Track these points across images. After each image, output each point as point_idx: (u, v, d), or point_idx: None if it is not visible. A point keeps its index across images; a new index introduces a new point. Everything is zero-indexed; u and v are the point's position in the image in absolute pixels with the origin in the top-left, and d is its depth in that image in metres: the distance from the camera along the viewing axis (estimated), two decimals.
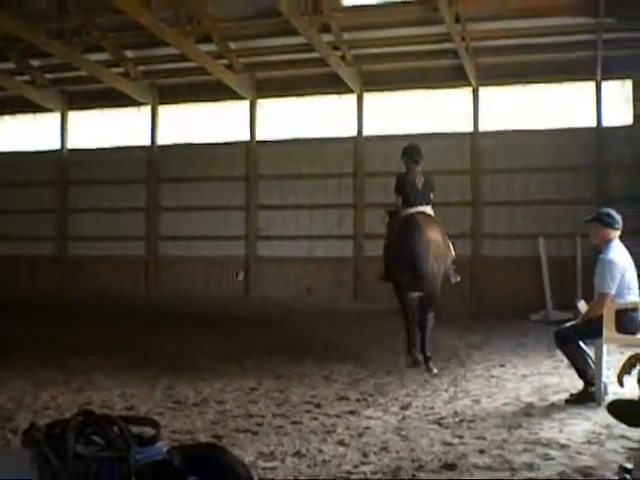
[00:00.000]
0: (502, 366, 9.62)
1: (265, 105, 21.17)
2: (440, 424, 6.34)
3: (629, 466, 4.52)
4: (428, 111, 19.65)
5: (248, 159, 21.12)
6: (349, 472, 4.93)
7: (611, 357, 7.85)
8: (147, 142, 22.15)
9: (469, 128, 19.24)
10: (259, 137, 21.10)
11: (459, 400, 7.42)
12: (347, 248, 20.10)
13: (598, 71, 17.74)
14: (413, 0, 16.86)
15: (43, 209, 23.04)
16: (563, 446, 5.55)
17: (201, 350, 11.03)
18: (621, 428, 5.65)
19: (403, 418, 6.59)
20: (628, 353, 6.07)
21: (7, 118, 24.06)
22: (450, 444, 5.64)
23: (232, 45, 19.41)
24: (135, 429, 2.17)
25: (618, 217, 7.47)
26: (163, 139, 22.13)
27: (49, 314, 16.29)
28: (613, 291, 7.20)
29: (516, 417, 6.63)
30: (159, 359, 10.17)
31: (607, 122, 18.29)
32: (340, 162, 20.16)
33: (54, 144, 23.15)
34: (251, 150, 21.08)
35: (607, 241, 7.41)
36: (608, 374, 7.28)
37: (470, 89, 19.17)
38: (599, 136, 18.27)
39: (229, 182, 21.23)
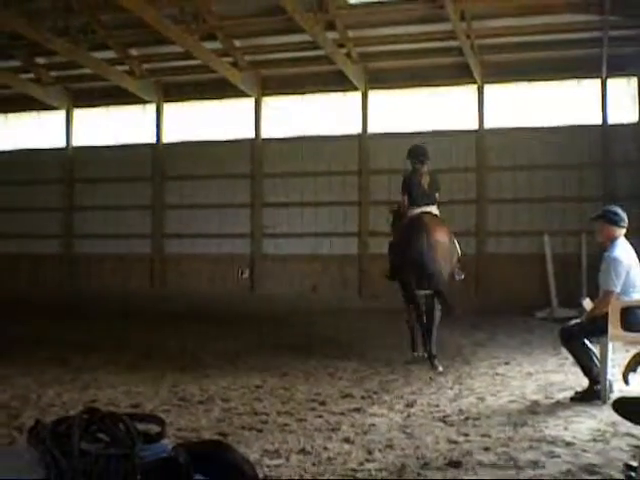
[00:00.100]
0: (507, 364, 9.61)
1: (270, 103, 21.16)
2: (445, 422, 6.34)
3: (634, 464, 4.51)
4: (433, 109, 19.63)
5: (253, 157, 21.12)
6: (354, 470, 4.93)
7: (616, 355, 7.83)
8: (152, 140, 22.16)
9: (474, 126, 19.21)
10: (264, 135, 21.10)
11: (464, 398, 7.42)
12: (352, 246, 20.10)
13: (603, 68, 17.69)
14: None
15: (49, 207, 23.06)
16: (568, 444, 5.55)
17: (206, 348, 11.05)
18: (626, 426, 5.63)
19: (408, 416, 6.59)
20: (633, 351, 6.06)
21: (12, 116, 24.07)
22: (455, 442, 5.64)
23: (237, 43, 19.42)
24: (140, 426, 2.17)
25: (624, 215, 7.46)
26: (168, 137, 22.14)
27: (54, 312, 16.33)
28: (618, 289, 7.19)
29: (521, 415, 6.62)
30: (164, 357, 10.20)
31: (612, 120, 18.24)
32: (345, 160, 20.14)
33: (59, 142, 23.18)
34: (256, 148, 21.08)
35: (612, 239, 7.39)
36: (613, 372, 7.26)
37: (475, 87, 19.14)
38: (604, 134, 18.23)
39: (234, 180, 21.24)
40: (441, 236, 9.70)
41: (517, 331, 13.29)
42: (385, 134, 19.75)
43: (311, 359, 9.95)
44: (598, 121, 18.33)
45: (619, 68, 17.73)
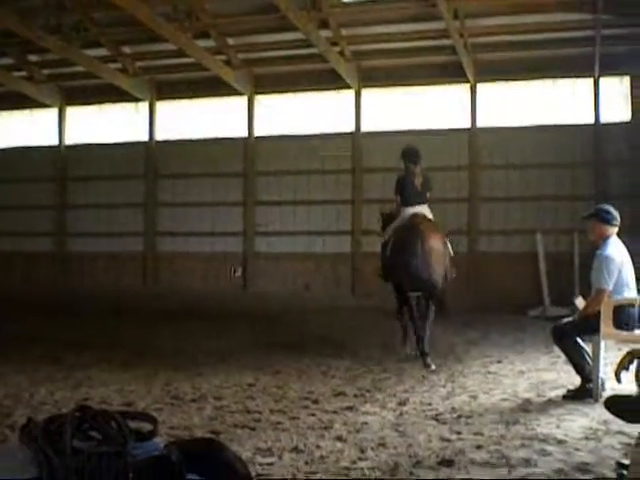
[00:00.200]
0: (499, 362, 9.64)
1: (263, 101, 21.15)
2: (437, 420, 6.35)
3: (626, 462, 4.52)
4: (426, 107, 19.64)
5: (246, 155, 21.10)
6: (347, 468, 4.94)
7: (608, 353, 7.86)
8: (145, 138, 22.12)
9: (467, 124, 19.22)
10: (257, 133, 21.08)
11: (456, 396, 7.43)
12: (345, 244, 20.10)
13: (596, 67, 17.73)
14: None
15: (41, 205, 23.02)
16: (560, 442, 5.56)
17: (199, 346, 11.04)
18: (618, 424, 5.65)
19: (400, 414, 6.60)
20: (625, 349, 6.08)
21: (5, 114, 24.00)
22: (448, 440, 5.65)
23: (230, 41, 19.40)
24: (133, 424, 2.17)
25: (616, 213, 7.48)
26: (161, 135, 22.10)
27: (47, 310, 16.29)
28: (610, 287, 7.21)
29: (513, 413, 6.64)
30: (157, 355, 10.19)
31: (605, 118, 18.27)
32: (338, 158, 20.13)
33: (52, 140, 23.12)
34: (249, 146, 21.07)
35: (605, 237, 7.41)
36: (605, 370, 7.28)
37: (468, 85, 19.16)
38: (597, 132, 18.27)
39: (227, 178, 21.22)
40: (435, 242, 9.92)
41: (509, 329, 13.31)
42: (378, 132, 19.76)
43: (304, 357, 9.95)
44: (591, 120, 18.37)
45: (612, 67, 17.77)
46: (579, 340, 7.42)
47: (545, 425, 6.14)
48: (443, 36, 17.55)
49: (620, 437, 5.62)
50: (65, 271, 22.50)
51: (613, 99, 18.37)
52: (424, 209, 10.57)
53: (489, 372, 8.88)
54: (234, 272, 20.96)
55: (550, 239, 17.94)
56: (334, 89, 20.21)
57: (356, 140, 20.06)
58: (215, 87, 20.60)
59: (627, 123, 18.16)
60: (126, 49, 20.41)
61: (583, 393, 7.18)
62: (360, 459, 5.13)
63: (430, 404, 7.01)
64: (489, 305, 16.63)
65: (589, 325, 7.20)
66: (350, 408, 6.80)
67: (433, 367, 9.16)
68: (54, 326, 13.55)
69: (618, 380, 4.71)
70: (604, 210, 7.57)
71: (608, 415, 5.25)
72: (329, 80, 19.79)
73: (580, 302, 7.90)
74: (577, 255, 17.07)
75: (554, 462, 5.03)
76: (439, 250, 9.98)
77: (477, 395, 7.44)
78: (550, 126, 18.53)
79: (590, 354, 7.32)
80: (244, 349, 10.79)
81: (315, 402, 7.08)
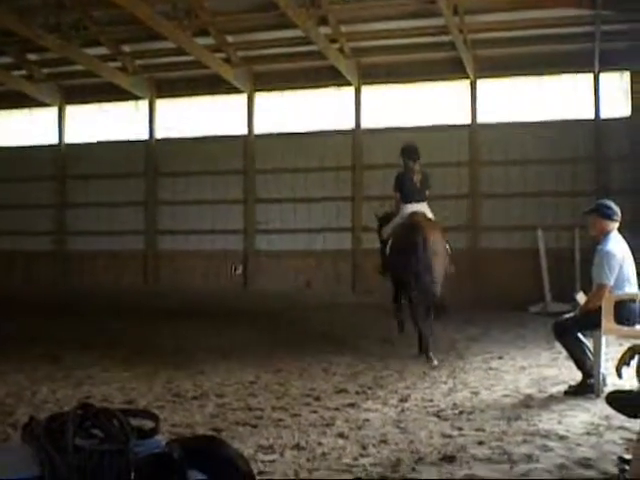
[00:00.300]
0: (501, 358, 9.64)
1: (263, 98, 21.13)
2: (439, 416, 6.35)
3: (628, 457, 4.52)
4: (426, 104, 19.63)
5: (246, 152, 21.10)
6: (348, 464, 4.94)
7: (610, 348, 7.85)
8: (145, 136, 22.12)
9: (467, 120, 19.21)
10: (257, 130, 21.07)
11: (458, 392, 7.43)
12: (345, 241, 20.10)
13: (596, 63, 17.72)
14: None
15: (41, 204, 23.00)
16: (562, 437, 5.56)
17: (200, 344, 11.05)
18: (620, 419, 5.65)
19: (402, 410, 6.60)
20: (627, 344, 6.08)
21: (4, 113, 23.98)
22: (449, 436, 5.65)
23: (229, 38, 19.38)
24: (134, 422, 2.17)
25: (617, 209, 7.48)
26: (161, 133, 22.10)
27: (47, 309, 16.29)
28: (611, 282, 7.21)
29: (515, 409, 6.64)
30: (158, 353, 10.19)
31: (605, 114, 18.26)
32: (338, 155, 20.14)
33: (52, 139, 23.11)
34: (249, 143, 21.06)
35: (606, 233, 7.41)
36: (607, 365, 7.28)
37: (468, 81, 19.14)
38: (597, 128, 18.25)
39: (227, 176, 21.21)
40: (437, 241, 10.10)
41: (511, 326, 13.32)
42: (378, 129, 19.75)
43: (305, 354, 9.96)
44: (591, 116, 18.36)
45: (611, 63, 17.75)
46: (580, 336, 7.42)
47: (547, 421, 6.14)
48: (443, 32, 17.54)
49: (622, 432, 5.63)
50: (65, 270, 22.50)
51: (613, 94, 18.35)
52: (423, 207, 10.75)
53: (490, 368, 8.89)
54: (235, 270, 20.96)
55: (551, 235, 17.93)
56: (334, 86, 20.20)
57: (356, 137, 20.05)
58: (215, 85, 20.59)
59: (627, 118, 18.15)
60: (125, 47, 20.39)
61: (584, 389, 7.18)
62: (362, 456, 5.14)
63: (431, 400, 7.02)
64: (490, 301, 16.62)
65: (590, 321, 7.20)
66: (352, 405, 6.81)
67: (435, 362, 9.19)
68: (54, 325, 13.56)
69: (619, 375, 4.71)
70: (605, 205, 7.57)
71: (609, 410, 5.25)
72: (329, 77, 19.78)
73: (581, 298, 7.90)
74: (578, 251, 17.06)
75: (556, 458, 5.04)
76: (441, 249, 10.15)
77: (478, 391, 7.45)
78: (550, 122, 18.53)
79: (591, 350, 7.32)
80: (245, 347, 10.80)
81: (317, 399, 7.09)
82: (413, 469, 4.85)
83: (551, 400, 7.06)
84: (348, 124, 20.18)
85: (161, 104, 22.09)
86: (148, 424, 2.24)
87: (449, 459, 5.02)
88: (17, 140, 23.54)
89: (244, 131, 21.12)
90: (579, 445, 5.35)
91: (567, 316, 7.76)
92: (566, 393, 7.24)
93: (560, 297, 15.67)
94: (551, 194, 18.39)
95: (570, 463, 4.91)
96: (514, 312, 15.33)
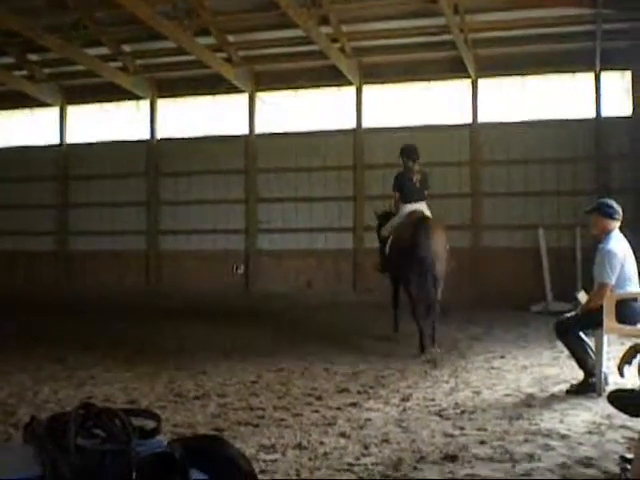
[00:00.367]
0: (502, 357, 9.65)
1: (264, 98, 21.14)
2: (441, 415, 6.36)
3: (630, 456, 4.52)
4: (427, 103, 19.61)
5: (247, 152, 21.09)
6: (350, 464, 4.94)
7: (611, 347, 7.85)
8: (146, 136, 22.12)
9: (468, 120, 19.20)
10: (258, 130, 21.07)
11: (460, 391, 7.44)
12: (347, 241, 20.09)
13: (597, 62, 17.69)
14: None
15: (43, 204, 23.00)
16: (564, 437, 5.57)
17: (202, 344, 11.06)
18: (622, 418, 5.66)
19: (404, 410, 6.61)
20: (628, 343, 6.08)
21: (6, 113, 23.98)
22: (451, 435, 5.66)
23: (230, 38, 19.38)
24: (136, 422, 2.17)
25: (618, 208, 7.48)
26: (162, 133, 22.10)
27: (49, 309, 16.31)
28: (613, 281, 7.21)
29: (517, 408, 6.64)
30: (160, 353, 10.20)
31: (606, 113, 18.24)
32: (340, 155, 20.14)
33: (53, 139, 23.11)
34: (250, 143, 21.06)
35: (607, 232, 7.41)
36: (608, 364, 7.29)
37: (469, 81, 19.13)
38: (598, 127, 18.23)
39: (229, 175, 21.20)
40: (438, 238, 10.26)
41: (512, 325, 13.32)
42: (379, 129, 19.73)
43: (307, 354, 9.97)
44: (592, 115, 18.34)
45: (613, 62, 17.72)
46: (582, 335, 7.42)
47: (548, 420, 6.14)
48: (444, 32, 17.52)
49: (623, 431, 5.63)
50: (67, 270, 22.51)
51: (614, 93, 18.34)
52: (422, 206, 10.96)
53: (492, 367, 8.89)
54: (236, 269, 20.96)
55: (552, 234, 17.91)
56: (335, 86, 20.18)
57: (357, 136, 20.05)
58: (216, 84, 20.58)
59: (628, 117, 18.13)
60: (126, 47, 20.38)
61: (586, 388, 7.18)
62: (364, 455, 5.14)
63: (433, 400, 7.02)
64: (491, 300, 16.62)
65: (592, 319, 7.20)
66: (353, 404, 6.81)
67: (439, 350, 9.68)
68: (57, 325, 13.57)
69: (621, 374, 4.72)
70: (606, 204, 7.57)
71: (611, 409, 5.27)
72: (330, 77, 19.77)
73: (583, 297, 7.90)
74: (579, 250, 17.05)
75: (558, 457, 5.04)
76: (441, 246, 10.30)
77: (480, 390, 7.45)
78: (551, 121, 18.51)
79: (593, 349, 7.32)
80: (247, 346, 10.80)
81: (318, 399, 7.09)
82: (415, 468, 4.85)
83: (553, 399, 7.07)
84: (349, 124, 20.17)
85: (162, 104, 22.09)
86: (150, 424, 2.24)
87: (451, 458, 5.02)
88: (18, 140, 23.53)
89: (245, 131, 21.11)
90: (581, 444, 5.35)
91: (569, 315, 7.76)
92: (568, 392, 7.24)
93: (561, 296, 15.65)
94: (552, 193, 18.38)
95: (572, 462, 4.91)
96: (516, 311, 15.33)
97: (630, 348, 4.64)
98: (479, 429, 5.83)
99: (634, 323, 7.23)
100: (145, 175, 22.04)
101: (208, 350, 10.35)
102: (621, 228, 7.53)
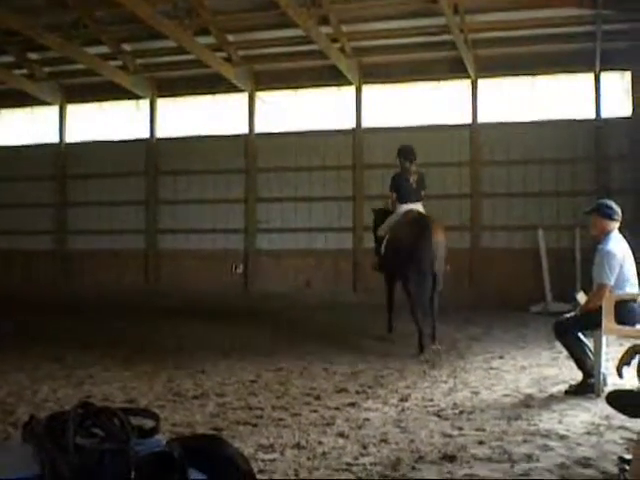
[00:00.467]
0: (501, 358, 9.65)
1: (264, 98, 21.13)
2: (439, 416, 6.36)
3: (628, 457, 4.52)
4: (427, 103, 19.60)
5: (247, 152, 21.08)
6: (349, 464, 4.94)
7: (610, 348, 7.86)
8: (146, 135, 22.10)
9: (468, 120, 19.19)
10: (258, 130, 21.06)
11: (458, 392, 7.44)
12: (346, 240, 20.07)
13: (597, 63, 17.69)
14: None
15: (41, 203, 22.97)
16: (562, 437, 5.57)
17: (201, 343, 11.06)
18: (620, 419, 5.66)
19: (402, 410, 6.61)
20: (627, 344, 6.08)
21: (5, 112, 23.99)
22: (449, 435, 5.66)
23: (230, 38, 19.37)
24: (135, 421, 2.17)
25: (617, 208, 7.49)
26: (162, 132, 22.08)
27: (47, 308, 16.30)
28: (612, 282, 7.21)
29: (515, 408, 6.65)
30: (159, 352, 10.20)
31: (606, 114, 18.23)
32: (339, 154, 20.13)
33: (53, 137, 23.09)
34: (250, 143, 21.05)
35: (606, 232, 7.42)
36: (607, 365, 7.29)
37: (469, 81, 19.12)
38: (598, 128, 18.23)
39: (228, 175, 21.19)
40: (441, 238, 10.45)
41: (512, 325, 13.33)
42: (379, 129, 19.73)
43: (306, 354, 9.97)
44: (592, 115, 18.33)
45: (612, 62, 17.72)
46: (581, 335, 7.43)
47: (547, 420, 6.14)
48: (444, 32, 17.52)
49: (622, 432, 5.63)
50: (66, 269, 22.49)
51: (614, 94, 18.34)
52: (419, 207, 11.08)
53: (491, 368, 8.89)
54: (235, 269, 20.96)
55: (552, 235, 17.92)
56: (335, 85, 20.17)
57: (357, 136, 20.05)
58: (215, 84, 20.57)
59: (628, 118, 18.12)
60: (126, 46, 20.37)
61: (585, 388, 7.18)
62: (362, 455, 5.14)
63: (432, 400, 7.02)
64: (491, 301, 16.64)
65: (591, 320, 7.21)
66: (352, 404, 6.81)
67: (439, 347, 9.82)
68: (55, 324, 13.57)
69: (620, 375, 4.71)
70: (606, 205, 7.57)
71: (610, 410, 5.26)
72: (330, 76, 19.76)
73: (582, 297, 7.90)
74: (579, 250, 17.05)
75: (556, 457, 5.04)
76: (443, 244, 10.49)
77: (479, 391, 7.45)
78: (551, 121, 18.50)
79: (592, 349, 7.33)
80: (246, 346, 10.81)
81: (317, 398, 7.10)
82: (413, 468, 4.85)
83: (551, 400, 7.07)
84: (349, 123, 20.16)
85: (162, 103, 22.08)
86: (149, 423, 2.24)
87: (449, 458, 5.02)
88: (18, 139, 23.53)
89: (245, 130, 21.10)
90: (579, 445, 5.36)
91: (568, 316, 7.76)
92: (566, 393, 7.24)
93: (561, 297, 15.68)
94: (552, 194, 18.38)
95: (570, 463, 4.92)
96: (515, 312, 15.34)
97: (629, 349, 4.64)
98: (478, 429, 5.84)
99: (633, 324, 7.23)
100: (144, 174, 22.03)
101: (207, 349, 10.35)
102: (620, 229, 7.54)
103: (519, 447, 5.30)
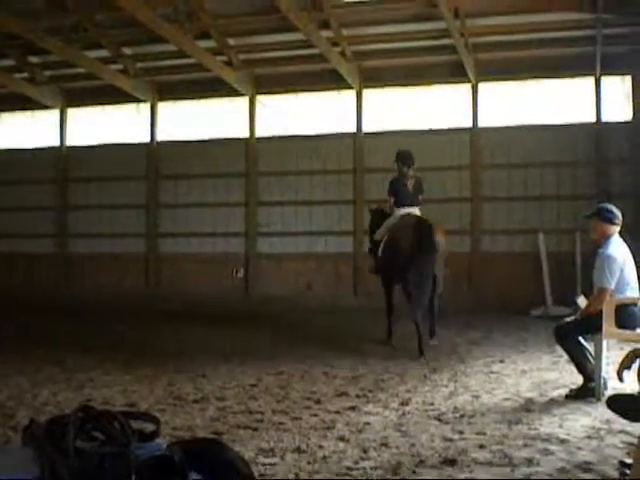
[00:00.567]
0: (502, 362, 9.64)
1: (264, 101, 21.14)
2: (440, 420, 6.35)
3: (629, 461, 4.52)
4: (427, 107, 19.61)
5: (247, 155, 21.09)
6: (349, 468, 4.94)
7: (610, 352, 7.85)
8: (146, 139, 22.11)
9: (468, 124, 19.19)
10: (258, 133, 21.06)
11: (459, 396, 7.43)
12: (347, 244, 20.07)
13: (597, 67, 17.69)
14: None
15: (42, 206, 22.99)
16: (563, 441, 5.56)
17: (201, 347, 11.06)
18: (621, 423, 5.65)
19: (403, 414, 6.60)
20: (627, 348, 6.08)
21: (6, 115, 24.01)
22: (450, 439, 5.65)
23: (231, 41, 19.38)
24: (135, 425, 2.17)
25: (618, 212, 7.49)
26: (162, 136, 22.09)
27: (48, 311, 16.30)
28: (612, 286, 7.21)
29: (516, 412, 6.64)
30: (159, 356, 10.20)
31: (606, 118, 18.24)
32: (340, 158, 20.14)
33: (53, 141, 23.11)
34: (250, 146, 21.05)
35: (607, 236, 7.42)
36: (607, 369, 7.29)
37: (469, 85, 19.12)
38: (598, 132, 18.23)
39: (229, 179, 21.20)
40: (441, 241, 10.56)
41: (512, 329, 13.32)
42: (380, 133, 19.74)
43: (306, 357, 9.96)
44: (592, 119, 18.34)
45: (613, 66, 17.72)
46: (581, 339, 7.42)
47: (547, 424, 6.14)
48: (444, 36, 17.52)
49: (623, 436, 5.62)
50: (67, 272, 22.49)
51: (614, 98, 18.35)
52: (416, 211, 11.18)
53: (491, 372, 8.89)
54: (236, 273, 20.95)
55: (552, 238, 17.91)
56: (335, 89, 20.18)
57: (357, 140, 20.05)
58: (216, 88, 20.58)
59: (628, 122, 18.13)
60: (127, 50, 20.38)
61: (585, 392, 7.18)
62: (362, 459, 5.14)
63: (432, 404, 7.02)
64: (491, 305, 16.65)
65: (591, 324, 7.20)
66: (353, 408, 6.81)
67: (436, 342, 9.97)
68: (56, 327, 13.57)
69: (620, 379, 4.71)
70: (606, 209, 7.58)
71: (610, 414, 5.27)
72: (330, 80, 19.77)
73: (582, 301, 7.90)
74: (579, 254, 17.03)
75: (557, 461, 5.04)
76: (443, 247, 10.63)
77: (479, 395, 7.45)
78: (552, 125, 18.50)
79: (592, 353, 7.32)
80: (246, 349, 10.80)
81: (317, 402, 7.09)
82: (414, 472, 4.85)
83: (552, 404, 7.06)
84: (349, 127, 20.17)
85: (162, 107, 22.10)
86: (149, 427, 2.24)
87: (450, 462, 5.02)
88: (18, 142, 23.54)
89: (245, 134, 21.11)
90: (580, 449, 5.35)
91: (568, 320, 7.76)
92: (567, 397, 7.24)
93: (561, 301, 15.66)
94: (552, 197, 18.38)
95: (571, 467, 4.91)
96: (515, 315, 15.33)
97: (629, 353, 4.64)
98: (478, 433, 5.83)
99: (633, 328, 7.22)
100: (145, 178, 22.03)
101: (207, 353, 10.35)
102: (621, 233, 7.54)
103: (520, 451, 5.29)
